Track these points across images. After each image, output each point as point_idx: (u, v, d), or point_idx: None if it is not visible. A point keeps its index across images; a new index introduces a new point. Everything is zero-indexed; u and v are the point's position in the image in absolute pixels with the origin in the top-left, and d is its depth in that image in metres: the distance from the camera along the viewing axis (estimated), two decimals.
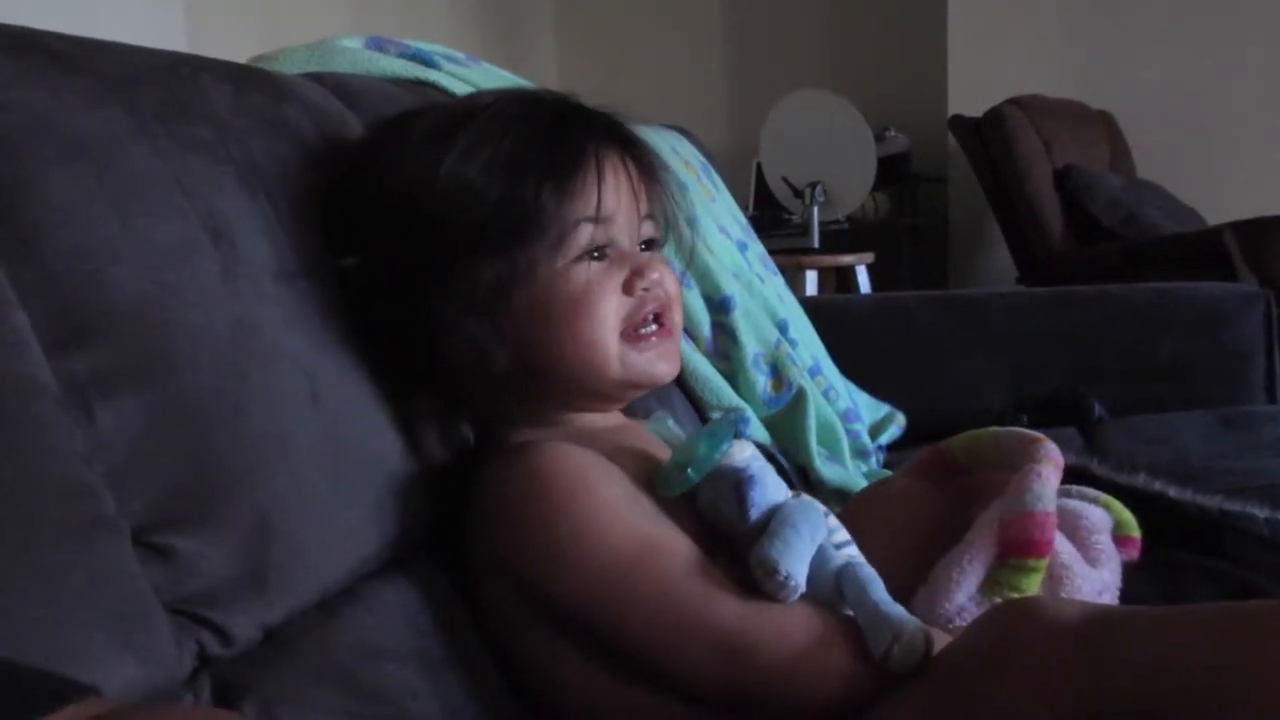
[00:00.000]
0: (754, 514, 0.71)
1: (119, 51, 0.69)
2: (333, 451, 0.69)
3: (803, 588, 0.68)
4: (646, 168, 0.80)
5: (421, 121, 0.77)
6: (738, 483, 0.71)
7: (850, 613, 0.69)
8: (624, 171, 0.77)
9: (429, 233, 0.73)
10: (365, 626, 0.68)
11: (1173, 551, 0.98)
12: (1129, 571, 0.84)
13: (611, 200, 0.76)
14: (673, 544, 0.70)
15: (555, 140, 0.75)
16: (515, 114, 0.76)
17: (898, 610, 0.67)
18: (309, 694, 0.62)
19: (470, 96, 0.86)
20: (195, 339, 0.62)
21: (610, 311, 0.76)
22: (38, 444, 0.53)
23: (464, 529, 0.76)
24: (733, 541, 0.72)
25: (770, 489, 0.72)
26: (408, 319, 0.74)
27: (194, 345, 0.62)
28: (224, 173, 0.70)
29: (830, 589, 0.69)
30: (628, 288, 0.77)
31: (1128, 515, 0.86)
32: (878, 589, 0.68)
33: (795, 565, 0.67)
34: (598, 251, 0.76)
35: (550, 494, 0.70)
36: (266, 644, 0.63)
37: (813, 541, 0.69)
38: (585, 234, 0.75)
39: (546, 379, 0.77)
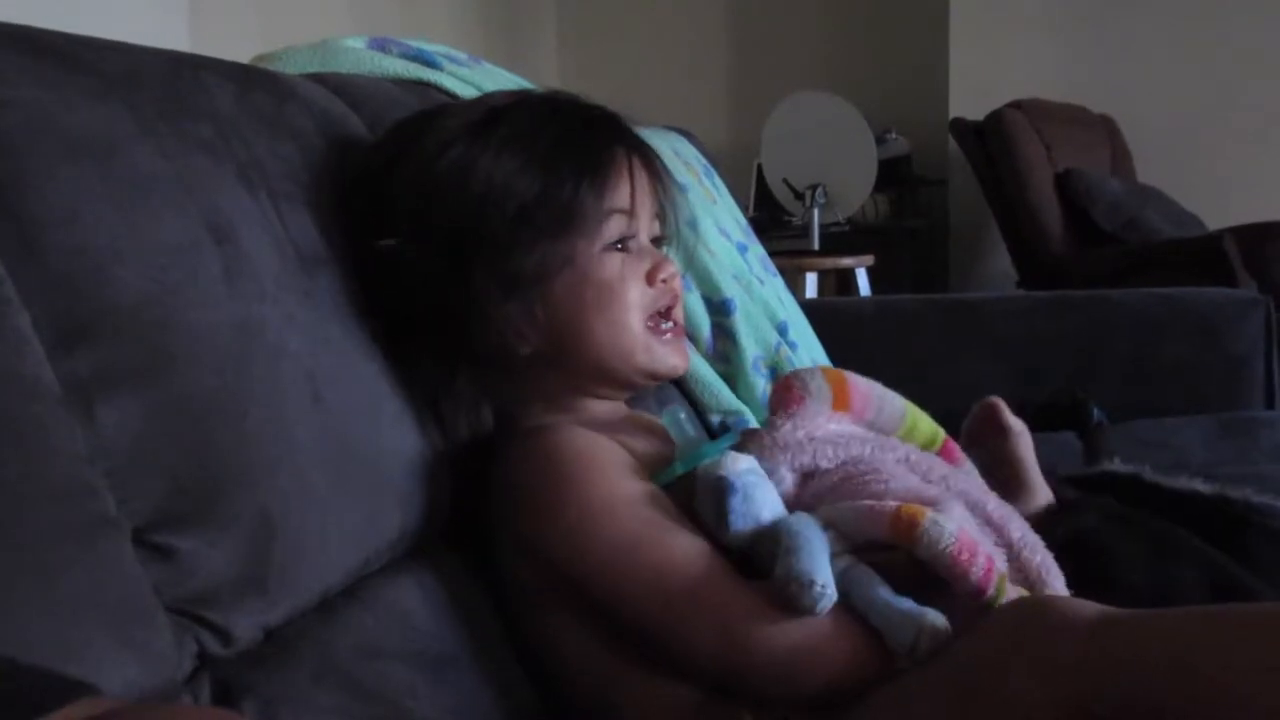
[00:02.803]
0: (733, 521, 0.71)
1: (122, 50, 0.69)
2: (335, 451, 0.69)
3: (835, 596, 0.67)
4: (656, 169, 0.85)
5: (456, 114, 0.82)
6: (718, 490, 0.72)
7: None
8: (642, 170, 0.83)
9: (475, 219, 0.77)
10: (366, 627, 0.69)
11: (1175, 530, 0.97)
12: (1122, 549, 0.84)
13: (638, 196, 0.82)
14: (675, 527, 0.73)
15: (589, 138, 0.81)
16: (547, 111, 0.82)
17: (909, 604, 0.67)
18: (309, 694, 0.62)
19: (489, 95, 0.90)
20: (197, 338, 0.62)
21: (637, 299, 0.82)
22: (38, 444, 0.53)
23: (487, 507, 0.79)
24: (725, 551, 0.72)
25: (758, 503, 0.72)
26: (445, 301, 0.77)
27: (196, 345, 0.62)
28: (226, 172, 0.70)
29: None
30: (650, 279, 0.83)
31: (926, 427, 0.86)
32: (885, 588, 0.69)
33: (827, 575, 0.67)
34: (621, 243, 0.82)
35: (562, 474, 0.75)
36: (267, 644, 0.63)
37: (824, 552, 0.69)
38: (616, 225, 0.81)
39: (571, 363, 0.82)
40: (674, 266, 0.84)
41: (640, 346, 0.82)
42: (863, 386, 0.83)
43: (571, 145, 0.80)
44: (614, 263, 0.81)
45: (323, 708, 0.63)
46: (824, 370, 0.82)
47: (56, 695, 0.36)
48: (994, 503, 0.77)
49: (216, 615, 0.60)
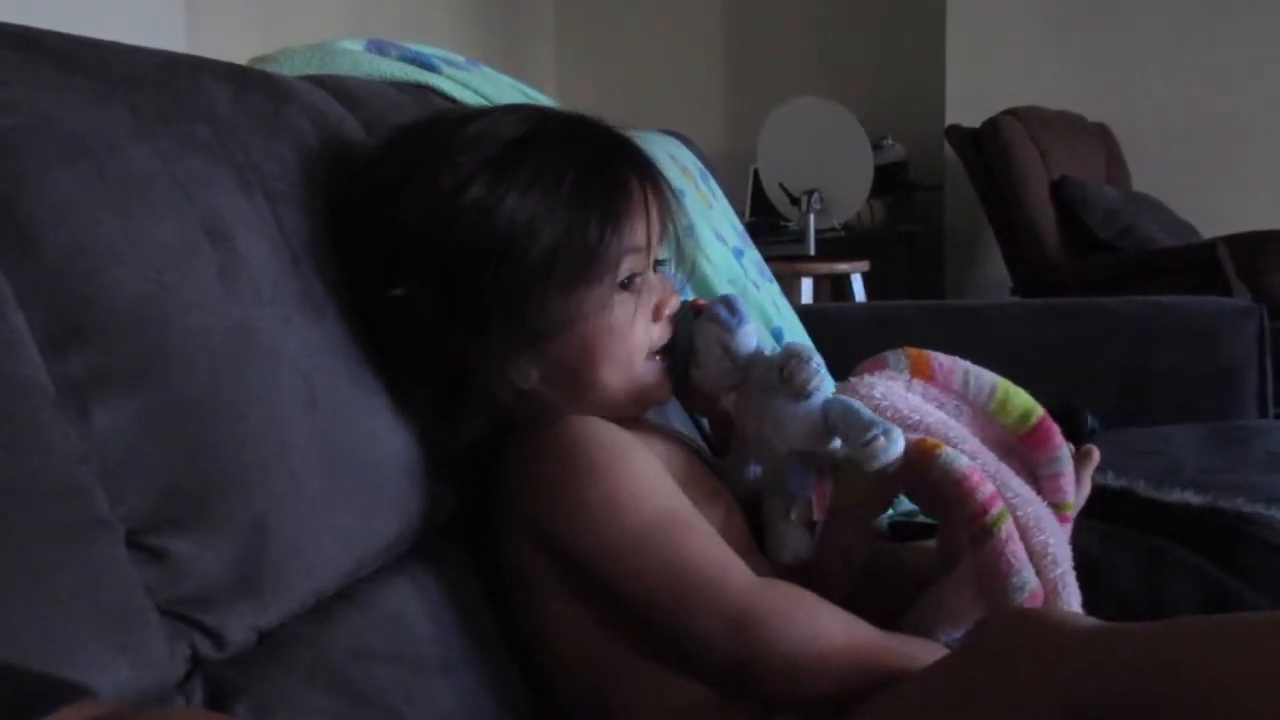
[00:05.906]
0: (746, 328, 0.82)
1: (120, 51, 0.69)
2: (329, 454, 0.69)
3: (830, 382, 0.74)
4: (663, 192, 0.83)
5: (469, 149, 0.76)
6: (728, 302, 0.83)
7: (837, 446, 0.77)
8: (655, 202, 0.82)
9: (495, 268, 0.74)
10: (360, 630, 0.68)
11: (1166, 544, 0.97)
12: (1113, 558, 0.84)
13: (652, 230, 0.81)
14: (694, 519, 0.75)
15: (606, 176, 0.79)
16: (565, 149, 0.78)
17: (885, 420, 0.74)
18: (302, 697, 0.62)
19: (498, 123, 0.80)
20: (192, 340, 0.62)
21: (643, 339, 0.81)
22: (32, 444, 0.53)
23: (492, 503, 0.79)
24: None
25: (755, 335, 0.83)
26: (452, 345, 0.75)
27: (191, 346, 0.62)
28: (223, 174, 0.69)
29: (818, 425, 0.76)
30: (657, 314, 0.82)
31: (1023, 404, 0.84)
32: (864, 407, 0.75)
33: (821, 359, 0.75)
34: (631, 279, 0.80)
35: (585, 460, 0.75)
36: (260, 647, 0.63)
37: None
38: (630, 262, 0.79)
39: (572, 394, 0.80)
40: (678, 299, 0.84)
41: (642, 380, 0.82)
42: (944, 359, 0.85)
43: (591, 186, 0.77)
44: (627, 306, 0.79)
45: (316, 711, 0.62)
46: (905, 349, 0.84)
47: (51, 698, 0.36)
48: (1051, 525, 0.77)
49: (210, 617, 0.59)
